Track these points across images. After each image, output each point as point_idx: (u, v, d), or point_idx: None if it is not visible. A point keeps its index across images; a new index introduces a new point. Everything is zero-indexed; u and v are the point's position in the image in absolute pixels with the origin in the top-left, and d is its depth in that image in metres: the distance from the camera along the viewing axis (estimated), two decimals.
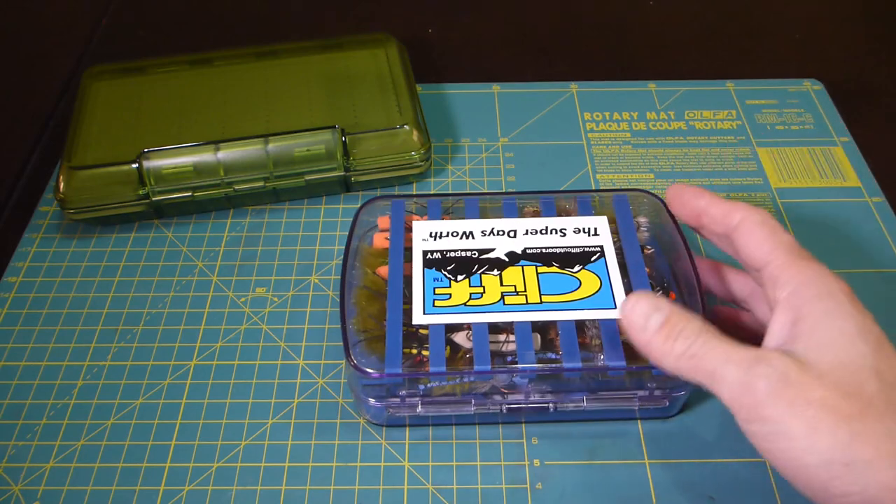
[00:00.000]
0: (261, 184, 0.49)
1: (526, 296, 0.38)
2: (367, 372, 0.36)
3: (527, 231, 0.41)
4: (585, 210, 0.43)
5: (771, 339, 0.31)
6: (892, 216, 0.49)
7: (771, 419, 0.28)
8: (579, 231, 0.41)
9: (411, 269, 0.40)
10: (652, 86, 0.59)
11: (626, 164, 0.53)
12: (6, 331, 0.44)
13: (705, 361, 0.30)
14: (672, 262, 0.41)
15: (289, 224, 0.50)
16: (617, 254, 0.40)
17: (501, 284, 0.39)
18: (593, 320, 0.37)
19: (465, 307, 0.38)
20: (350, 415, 0.40)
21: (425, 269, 0.40)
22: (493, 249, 0.40)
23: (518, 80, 0.60)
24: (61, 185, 0.47)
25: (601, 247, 0.40)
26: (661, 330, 0.32)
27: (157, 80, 0.55)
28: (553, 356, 0.37)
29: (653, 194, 0.43)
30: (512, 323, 0.37)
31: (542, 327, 0.38)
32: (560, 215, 0.43)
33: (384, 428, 0.39)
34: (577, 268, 0.39)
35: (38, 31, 0.68)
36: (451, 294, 0.38)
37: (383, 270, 0.40)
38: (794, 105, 0.57)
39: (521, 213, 0.43)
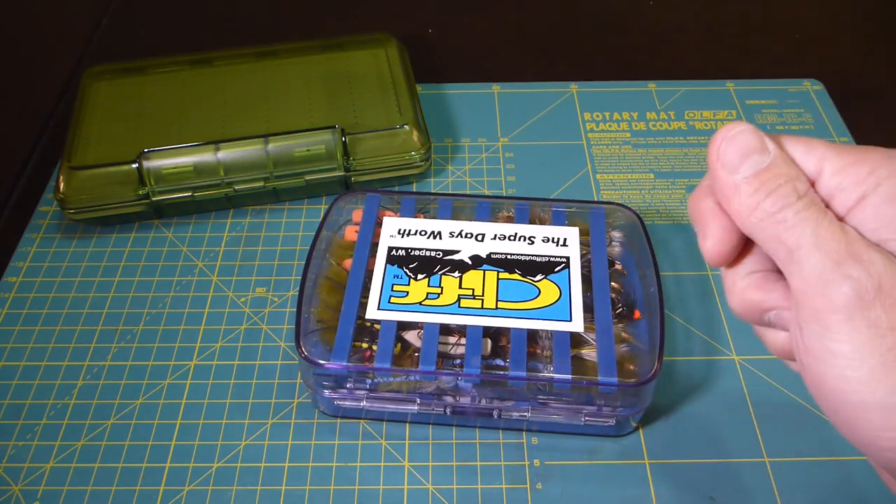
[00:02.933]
0: (261, 184, 0.49)
1: (482, 300, 0.38)
2: (314, 361, 0.36)
3: (495, 236, 0.41)
4: (559, 220, 0.43)
5: (866, 216, 0.24)
6: None
7: (836, 335, 0.23)
8: (548, 240, 0.41)
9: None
10: (652, 86, 0.59)
11: (626, 164, 0.53)
12: (6, 331, 0.44)
13: (791, 234, 0.24)
14: (643, 280, 0.41)
15: (289, 224, 0.50)
16: (584, 267, 0.40)
17: (460, 287, 0.39)
18: (547, 331, 0.37)
19: (420, 306, 0.38)
20: (350, 415, 0.40)
21: (387, 265, 0.40)
22: (458, 251, 0.41)
23: (518, 80, 0.60)
24: (61, 185, 0.47)
25: (567, 258, 0.40)
26: (756, 177, 0.24)
27: (157, 80, 0.55)
28: (501, 363, 0.37)
29: (629, 209, 0.43)
30: (465, 326, 0.37)
31: (494, 333, 0.38)
32: (533, 223, 0.43)
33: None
34: (538, 277, 0.39)
35: (38, 31, 0.68)
36: (408, 292, 0.39)
37: (348, 263, 0.41)
38: (794, 105, 0.57)
39: (494, 218, 0.43)
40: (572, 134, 0.55)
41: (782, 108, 0.57)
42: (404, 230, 0.42)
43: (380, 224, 0.42)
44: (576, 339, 0.37)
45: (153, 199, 0.48)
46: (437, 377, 0.36)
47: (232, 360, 0.42)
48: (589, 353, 0.37)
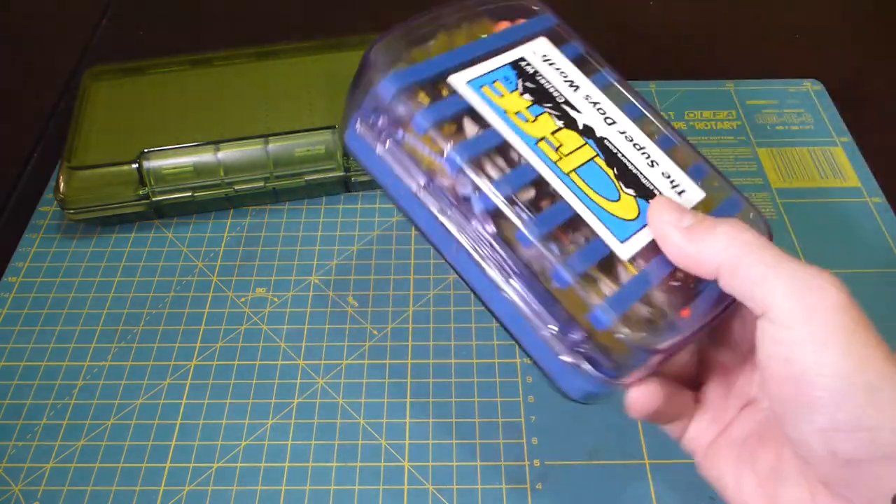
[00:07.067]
0: (261, 184, 0.49)
1: (562, 158, 0.32)
2: (373, 68, 0.32)
3: (625, 133, 0.34)
4: (698, 176, 0.34)
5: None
6: (892, 216, 0.49)
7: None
8: (668, 177, 0.34)
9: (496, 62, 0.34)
10: (652, 86, 0.59)
11: None
12: (6, 331, 0.44)
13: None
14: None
15: (289, 224, 0.50)
16: None
17: (552, 134, 0.33)
18: (590, 228, 0.31)
19: (504, 114, 0.32)
20: (350, 415, 0.40)
21: (508, 64, 0.34)
22: (580, 112, 0.34)
23: None
24: (61, 185, 0.47)
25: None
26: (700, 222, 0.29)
27: (157, 80, 0.55)
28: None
29: (762, 217, 0.34)
30: (522, 161, 0.31)
31: (542, 191, 0.32)
32: (670, 160, 0.35)
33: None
34: (630, 190, 0.32)
35: (38, 31, 0.68)
36: (504, 94, 0.33)
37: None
38: (794, 105, 0.57)
39: (638, 123, 0.35)
40: None
41: (782, 108, 0.57)
42: (550, 58, 0.35)
43: (532, 39, 0.36)
44: (609, 262, 0.31)
45: (153, 199, 0.48)
46: (461, 173, 0.31)
47: (232, 361, 0.42)
48: (606, 286, 0.31)
